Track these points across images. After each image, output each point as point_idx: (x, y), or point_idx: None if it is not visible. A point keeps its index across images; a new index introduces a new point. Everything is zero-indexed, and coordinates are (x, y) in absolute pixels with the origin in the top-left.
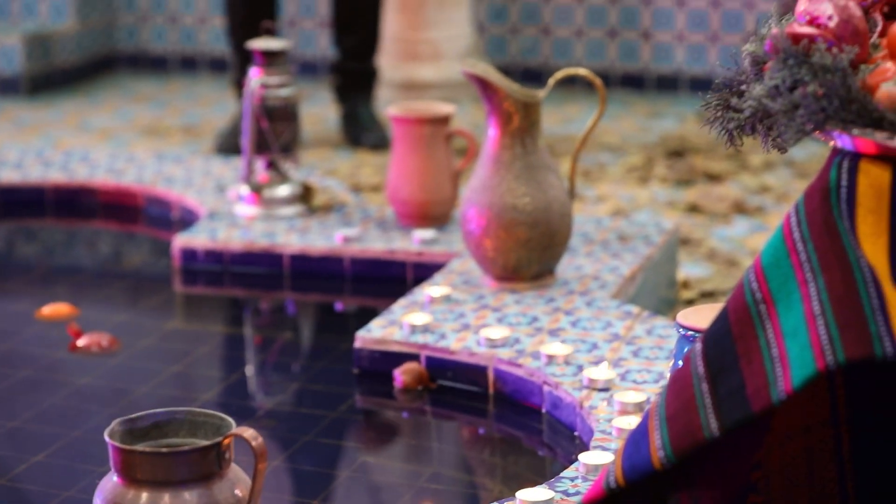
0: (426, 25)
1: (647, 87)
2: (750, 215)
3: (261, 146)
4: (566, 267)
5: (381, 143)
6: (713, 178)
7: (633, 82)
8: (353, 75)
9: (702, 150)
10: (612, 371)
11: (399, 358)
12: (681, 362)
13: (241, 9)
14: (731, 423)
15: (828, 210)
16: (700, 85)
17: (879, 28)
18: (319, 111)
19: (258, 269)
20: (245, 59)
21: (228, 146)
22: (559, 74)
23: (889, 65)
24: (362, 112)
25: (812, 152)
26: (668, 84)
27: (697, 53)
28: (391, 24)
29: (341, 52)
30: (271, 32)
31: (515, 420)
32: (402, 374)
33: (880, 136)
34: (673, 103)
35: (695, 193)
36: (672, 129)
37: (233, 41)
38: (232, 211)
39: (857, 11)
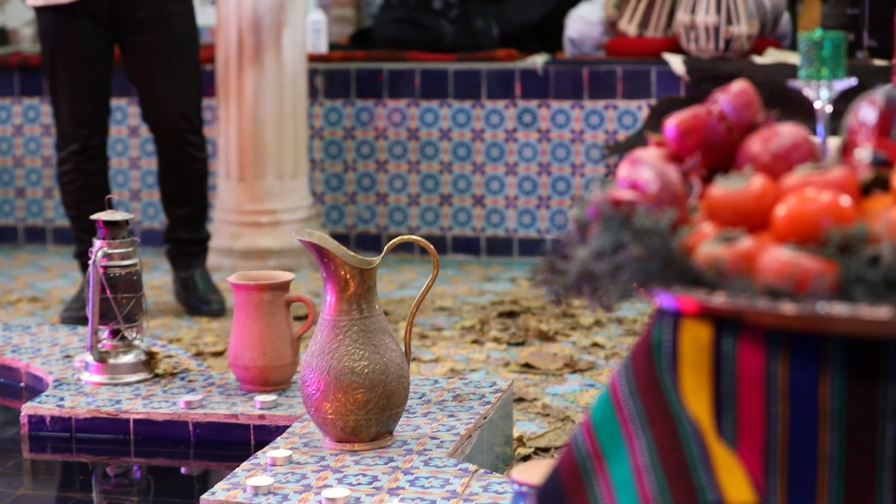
0: (266, 196)
1: (480, 251)
2: (582, 372)
3: (105, 315)
4: (404, 427)
5: (219, 312)
6: (546, 337)
7: (467, 246)
8: (187, 244)
9: (534, 311)
10: None
11: None
12: None
13: (74, 185)
14: None
15: (652, 367)
16: (531, 247)
17: (697, 191)
18: (162, 280)
19: (104, 435)
20: (83, 232)
21: (74, 318)
22: (393, 241)
23: (707, 226)
24: (199, 280)
25: (641, 310)
26: (500, 247)
27: (528, 217)
28: (232, 194)
29: (173, 223)
30: (113, 205)
31: None
32: None
33: (700, 295)
34: (506, 266)
35: (528, 352)
36: (505, 290)
37: (69, 215)
38: (78, 378)
39: (675, 177)
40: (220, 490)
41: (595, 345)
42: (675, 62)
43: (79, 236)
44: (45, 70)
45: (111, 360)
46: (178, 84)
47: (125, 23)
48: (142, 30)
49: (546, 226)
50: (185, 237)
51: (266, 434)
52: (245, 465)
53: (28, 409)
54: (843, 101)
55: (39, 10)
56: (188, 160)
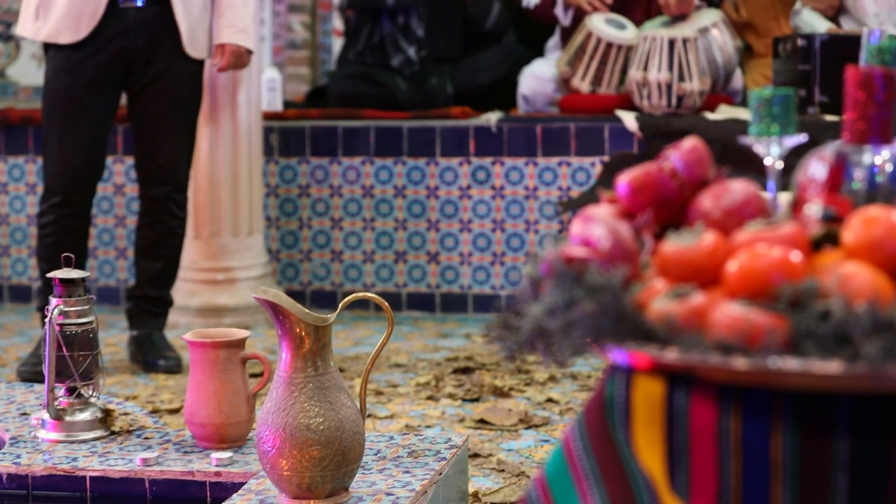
0: (221, 254)
1: (435, 308)
2: (536, 428)
3: (62, 373)
4: (360, 483)
5: (175, 368)
6: (500, 393)
7: (422, 303)
8: (150, 302)
9: (489, 367)
10: None
11: None
12: None
13: (50, 239)
14: None
15: (605, 423)
16: (486, 304)
17: (649, 247)
18: (119, 337)
19: (61, 493)
20: (49, 287)
21: (31, 373)
22: (348, 299)
23: (659, 282)
24: (156, 338)
25: (595, 366)
26: (455, 304)
27: (483, 274)
28: (188, 252)
29: (141, 278)
30: (73, 262)
31: None
32: None
33: (652, 351)
34: (460, 322)
35: (483, 408)
36: (460, 347)
37: (41, 269)
38: (35, 436)
39: (627, 233)
40: None
41: (549, 400)
42: (628, 119)
43: (44, 290)
44: (42, 118)
45: (67, 418)
46: (172, 141)
47: (134, 77)
48: (147, 84)
49: (500, 282)
50: (151, 294)
51: (222, 491)
52: None
53: None
54: (795, 157)
55: (51, 52)
56: (167, 215)
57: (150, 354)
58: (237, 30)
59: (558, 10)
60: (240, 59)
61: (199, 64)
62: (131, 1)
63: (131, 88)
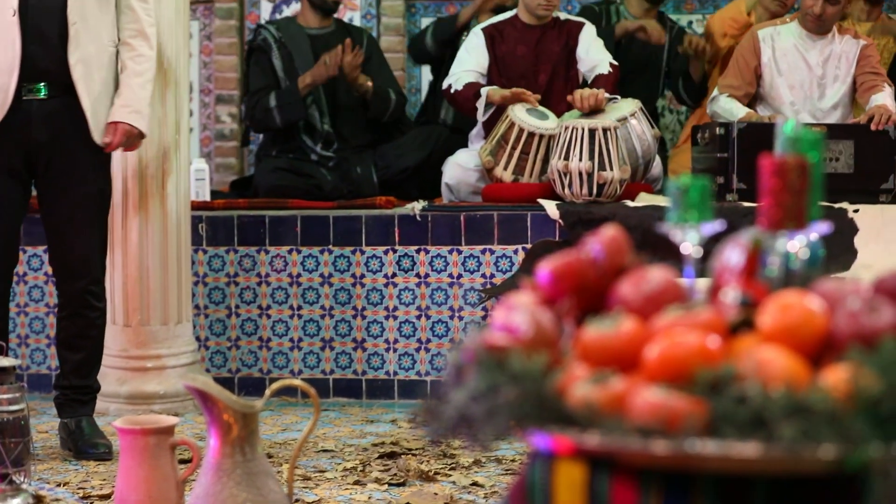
0: (151, 341)
1: (362, 394)
2: None
3: None
4: None
5: (106, 455)
6: (426, 477)
7: (349, 389)
8: (76, 391)
9: (415, 452)
10: None
11: None
12: None
13: None
14: None
15: None
16: (411, 389)
17: (570, 334)
18: (50, 424)
19: None
20: None
21: None
22: (275, 386)
23: (579, 368)
24: (85, 426)
25: (519, 449)
26: (381, 390)
27: (408, 360)
28: (117, 340)
29: (65, 370)
30: (4, 350)
31: None
32: None
33: (573, 435)
34: (387, 408)
35: (409, 493)
36: (386, 432)
37: None
38: None
39: (548, 321)
40: None
41: (475, 484)
42: (550, 207)
43: None
44: None
45: None
46: (83, 237)
47: (40, 170)
48: (54, 177)
49: (426, 368)
50: (76, 384)
51: None
52: None
53: None
54: (714, 243)
55: None
56: (86, 308)
57: (81, 441)
58: (131, 110)
59: (479, 104)
60: (131, 139)
61: (107, 153)
62: (34, 93)
63: (39, 182)
